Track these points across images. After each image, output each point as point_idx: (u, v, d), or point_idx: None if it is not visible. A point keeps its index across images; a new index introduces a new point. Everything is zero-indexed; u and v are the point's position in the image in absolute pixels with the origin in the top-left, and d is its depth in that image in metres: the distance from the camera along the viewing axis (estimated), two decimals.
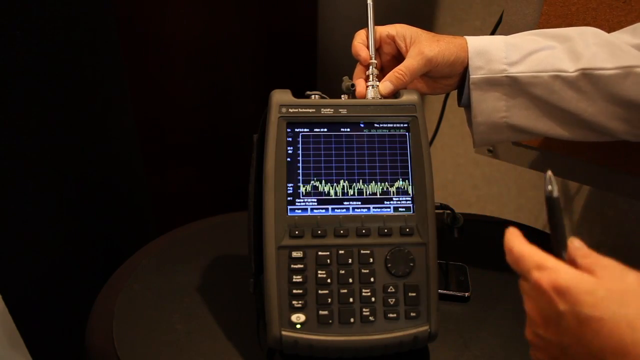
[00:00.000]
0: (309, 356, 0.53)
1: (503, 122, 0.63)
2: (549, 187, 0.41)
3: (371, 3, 0.62)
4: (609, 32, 0.66)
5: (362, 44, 0.62)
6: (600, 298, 0.35)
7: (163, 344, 0.59)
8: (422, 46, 0.60)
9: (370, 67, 0.61)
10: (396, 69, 0.60)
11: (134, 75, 1.05)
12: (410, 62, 0.59)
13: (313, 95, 0.57)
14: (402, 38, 0.61)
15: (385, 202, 0.55)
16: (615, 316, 0.35)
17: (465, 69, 0.61)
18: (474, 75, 0.61)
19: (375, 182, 0.55)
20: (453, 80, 0.64)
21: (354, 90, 0.61)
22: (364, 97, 0.60)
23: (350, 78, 0.63)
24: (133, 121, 1.00)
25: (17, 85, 0.72)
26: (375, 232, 0.54)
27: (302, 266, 0.53)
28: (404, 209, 0.55)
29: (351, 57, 0.63)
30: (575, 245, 0.40)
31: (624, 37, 0.60)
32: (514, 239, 0.41)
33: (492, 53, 0.60)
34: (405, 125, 0.57)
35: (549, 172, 0.40)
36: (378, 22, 0.63)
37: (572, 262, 0.39)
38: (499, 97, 0.61)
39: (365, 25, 0.62)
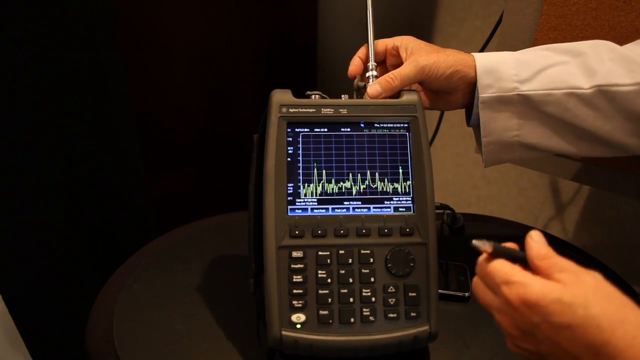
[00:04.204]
0: (309, 356, 0.53)
1: (515, 141, 0.61)
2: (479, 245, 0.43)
3: (370, 3, 0.62)
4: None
5: (359, 57, 0.63)
6: (568, 305, 0.37)
7: (163, 344, 0.59)
8: (419, 55, 0.59)
9: (370, 68, 0.61)
10: (388, 74, 0.59)
11: (134, 74, 1.05)
12: (403, 69, 0.59)
13: (313, 95, 0.57)
14: (405, 49, 0.61)
15: (386, 202, 0.55)
16: (584, 320, 0.37)
17: (472, 87, 0.60)
18: (484, 94, 0.58)
19: (375, 182, 0.55)
20: (457, 96, 0.62)
21: (364, 91, 0.60)
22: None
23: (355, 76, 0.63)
24: (133, 121, 1.00)
25: (16, 85, 0.72)
26: (375, 232, 0.54)
27: (302, 266, 0.53)
28: (404, 209, 0.55)
29: (351, 57, 0.63)
30: (534, 239, 0.42)
31: (638, 50, 0.58)
32: (480, 260, 0.43)
33: (501, 70, 0.58)
34: (406, 125, 0.57)
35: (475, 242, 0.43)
36: (379, 22, 0.63)
37: (532, 264, 0.42)
38: (510, 115, 0.59)
39: (365, 25, 0.62)
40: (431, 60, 0.58)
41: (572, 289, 0.38)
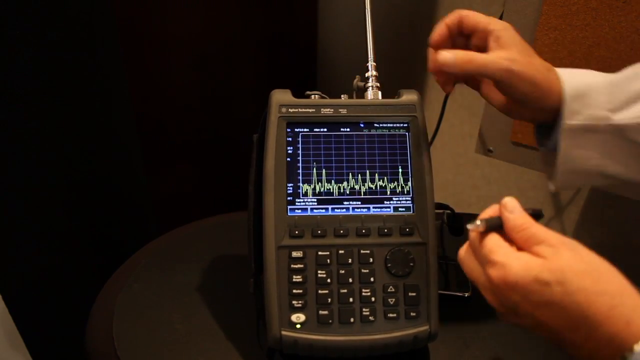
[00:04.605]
0: (309, 356, 0.53)
1: (595, 171, 0.55)
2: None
3: (368, 3, 0.61)
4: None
5: (447, 24, 0.54)
6: (545, 283, 0.38)
7: (163, 344, 0.59)
8: (509, 53, 0.51)
9: (370, 68, 0.61)
10: (471, 52, 0.51)
11: (134, 75, 1.05)
12: (486, 58, 0.51)
13: (313, 95, 0.57)
14: (497, 38, 0.52)
15: (385, 202, 0.55)
16: (561, 297, 0.38)
17: (551, 106, 0.53)
18: (570, 120, 0.52)
19: (375, 182, 0.55)
20: (527, 111, 0.55)
21: (365, 91, 0.59)
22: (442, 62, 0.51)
23: (355, 76, 0.62)
24: (133, 121, 1.00)
25: (16, 85, 0.72)
26: (375, 232, 0.54)
27: (302, 266, 0.53)
28: (403, 209, 0.55)
29: (351, 57, 0.63)
30: (509, 209, 0.43)
31: None
32: (472, 234, 0.44)
33: (592, 96, 0.52)
34: (405, 125, 0.57)
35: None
36: (378, 22, 0.63)
37: (510, 236, 0.43)
38: (595, 145, 0.53)
39: (364, 24, 0.62)
40: (518, 66, 0.51)
41: (549, 265, 0.39)
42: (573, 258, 0.39)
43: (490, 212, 0.45)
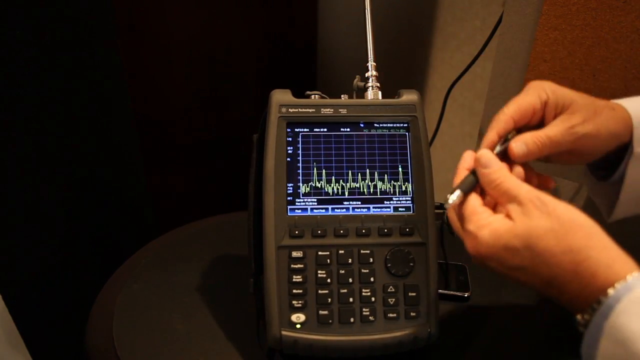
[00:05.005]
0: (309, 356, 0.53)
1: None
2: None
3: (368, 3, 0.61)
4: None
5: (498, 133, 0.50)
6: (515, 249, 0.40)
7: (163, 344, 0.59)
8: (575, 119, 0.49)
9: (370, 68, 0.61)
10: (536, 134, 0.49)
11: (134, 75, 1.05)
12: (553, 132, 0.49)
13: (313, 95, 0.57)
14: (554, 106, 0.50)
15: (385, 202, 0.55)
16: (531, 260, 0.40)
17: (617, 143, 0.51)
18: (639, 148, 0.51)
19: (375, 182, 0.55)
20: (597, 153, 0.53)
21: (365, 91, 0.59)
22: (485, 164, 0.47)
23: (355, 76, 0.62)
24: (133, 121, 1.00)
25: (16, 85, 0.72)
26: (375, 232, 0.54)
27: (302, 266, 0.53)
28: (403, 209, 0.55)
29: (350, 57, 0.63)
30: (483, 163, 0.45)
31: None
32: (456, 200, 0.45)
33: None
34: (405, 125, 0.57)
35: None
36: (378, 22, 0.63)
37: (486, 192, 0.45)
38: None
39: (364, 24, 0.62)
40: (589, 128, 0.49)
41: (516, 229, 0.41)
42: (540, 217, 0.40)
43: (465, 163, 0.47)
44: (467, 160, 0.48)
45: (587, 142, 0.49)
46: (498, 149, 0.50)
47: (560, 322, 0.60)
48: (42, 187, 0.80)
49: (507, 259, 0.41)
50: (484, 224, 0.42)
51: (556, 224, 0.40)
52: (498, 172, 0.44)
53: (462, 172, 0.48)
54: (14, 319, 0.76)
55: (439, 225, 0.79)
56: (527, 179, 0.51)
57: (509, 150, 0.49)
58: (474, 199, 0.45)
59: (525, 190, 0.42)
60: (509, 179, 0.43)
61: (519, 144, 0.49)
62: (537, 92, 0.50)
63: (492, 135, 0.50)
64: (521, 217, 0.41)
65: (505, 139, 0.51)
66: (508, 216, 0.42)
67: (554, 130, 0.49)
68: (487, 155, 0.45)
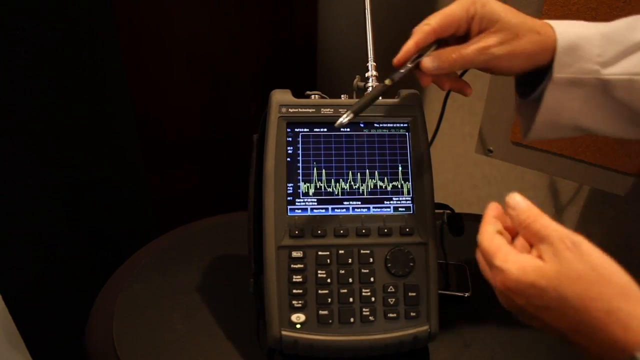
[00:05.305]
0: (309, 356, 0.53)
1: (570, 123, 0.55)
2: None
3: (368, 2, 0.61)
4: None
5: (416, 43, 0.51)
6: (542, 289, 0.39)
7: (163, 344, 0.59)
8: (492, 39, 0.50)
9: (370, 68, 0.61)
10: (448, 51, 0.50)
11: (134, 75, 1.05)
12: (468, 52, 0.50)
13: (313, 95, 0.57)
14: (479, 21, 0.50)
15: (385, 202, 0.55)
16: (558, 302, 0.38)
17: (541, 62, 0.52)
18: (558, 74, 0.51)
19: (375, 182, 0.55)
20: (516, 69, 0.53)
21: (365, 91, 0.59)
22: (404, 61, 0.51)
23: (355, 75, 0.62)
24: (133, 121, 1.00)
25: (17, 85, 0.73)
26: (375, 232, 0.54)
27: (302, 266, 0.53)
28: (404, 209, 0.55)
29: (350, 57, 0.63)
30: (511, 206, 0.43)
31: None
32: (483, 233, 0.43)
33: (584, 49, 0.50)
34: (405, 125, 0.57)
35: None
36: (378, 22, 0.63)
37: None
38: (577, 97, 0.52)
39: (364, 24, 0.62)
40: (504, 50, 0.50)
41: (546, 270, 0.39)
42: (571, 260, 0.38)
43: (491, 212, 0.45)
44: (491, 211, 0.46)
45: (501, 62, 0.50)
46: (414, 59, 0.51)
47: None
48: (42, 187, 0.81)
49: (535, 297, 0.39)
50: (512, 260, 0.41)
51: (588, 268, 0.38)
52: (527, 211, 0.42)
53: (489, 220, 0.45)
54: (14, 319, 0.76)
55: (439, 225, 0.79)
56: (441, 83, 0.54)
57: (421, 63, 0.51)
58: (499, 238, 0.43)
59: (557, 229, 0.40)
60: (539, 218, 0.42)
61: (431, 59, 0.51)
62: (466, 5, 0.50)
63: (410, 45, 0.51)
64: (552, 258, 0.39)
65: (424, 51, 0.51)
66: (539, 257, 0.40)
67: (468, 49, 0.50)
68: (514, 197, 0.44)
